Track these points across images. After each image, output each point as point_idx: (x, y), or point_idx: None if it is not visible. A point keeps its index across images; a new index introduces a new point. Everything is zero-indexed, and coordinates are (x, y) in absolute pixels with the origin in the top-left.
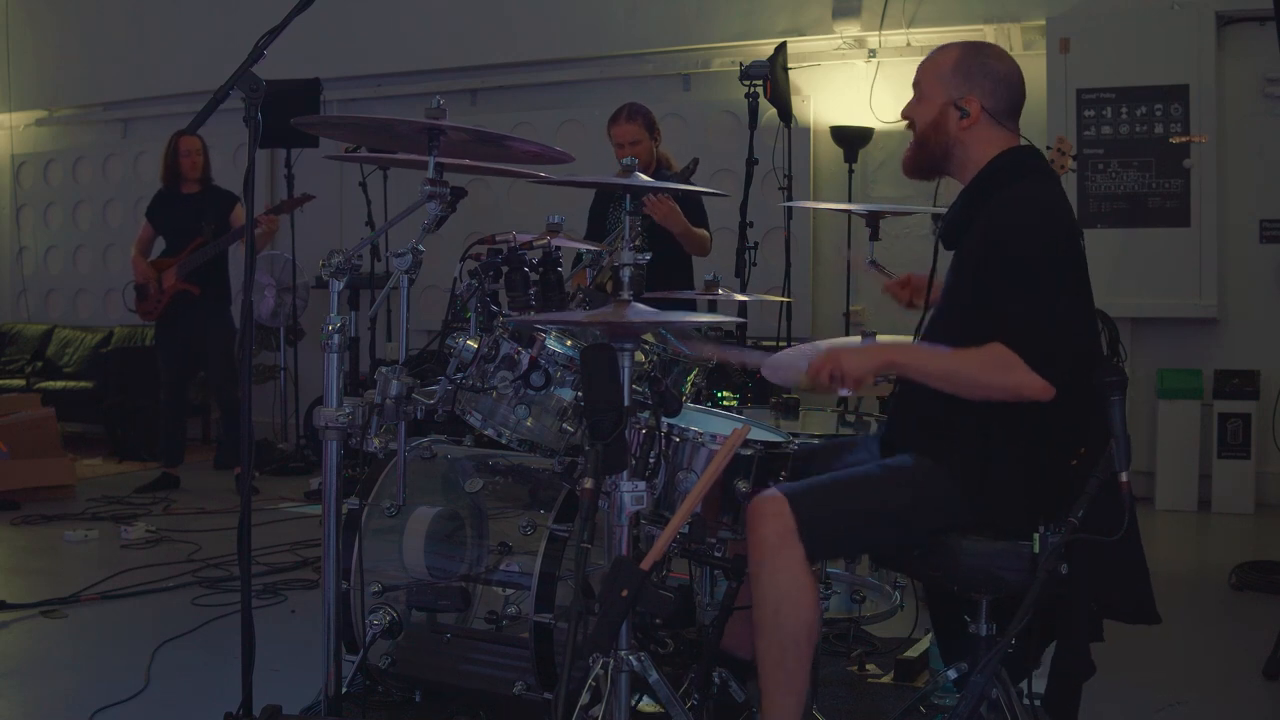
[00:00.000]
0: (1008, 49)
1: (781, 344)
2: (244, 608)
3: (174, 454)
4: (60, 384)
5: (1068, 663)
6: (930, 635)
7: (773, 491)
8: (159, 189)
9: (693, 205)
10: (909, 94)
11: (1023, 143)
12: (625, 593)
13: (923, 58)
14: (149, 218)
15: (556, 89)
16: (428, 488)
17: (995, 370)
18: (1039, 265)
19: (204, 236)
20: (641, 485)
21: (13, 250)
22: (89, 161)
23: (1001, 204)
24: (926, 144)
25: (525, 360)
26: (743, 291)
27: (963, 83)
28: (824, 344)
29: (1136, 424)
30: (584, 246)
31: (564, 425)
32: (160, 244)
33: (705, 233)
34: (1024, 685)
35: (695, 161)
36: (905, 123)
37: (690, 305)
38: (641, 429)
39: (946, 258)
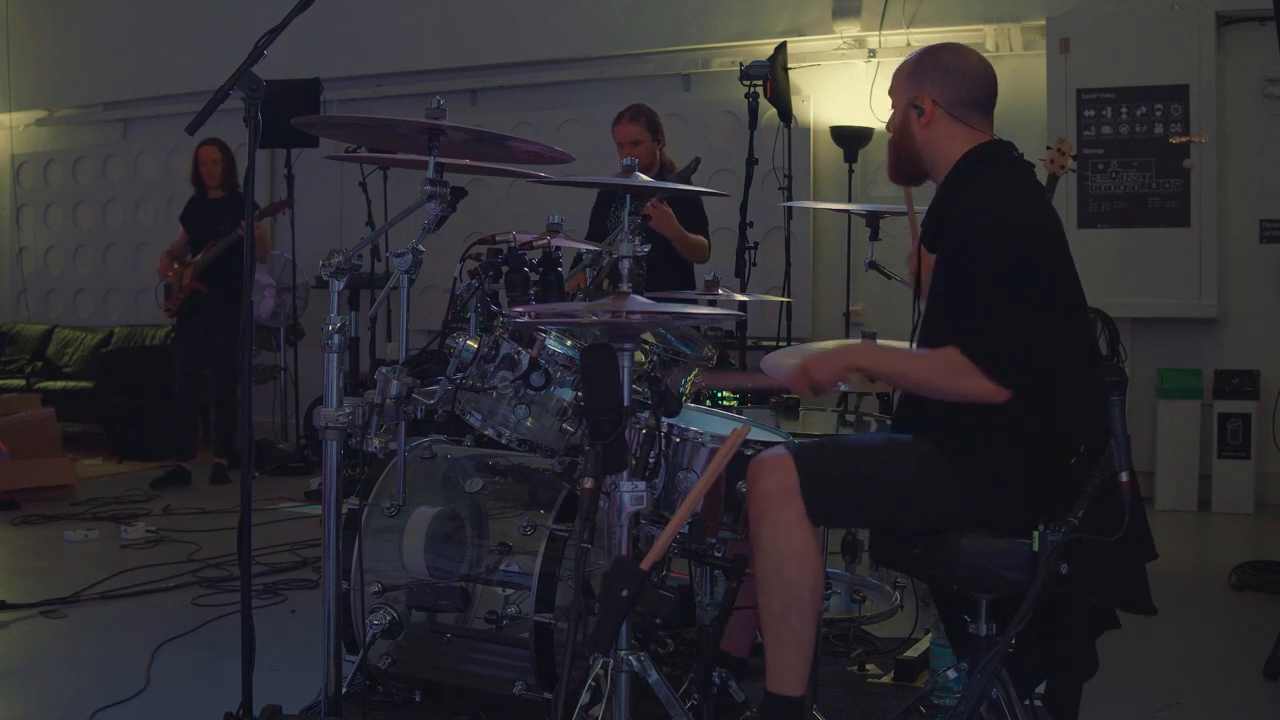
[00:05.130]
0: (1008, 49)
1: (781, 344)
2: (244, 608)
3: (187, 448)
4: (60, 384)
5: (1070, 661)
6: (930, 635)
7: (778, 449)
8: (191, 195)
9: (693, 210)
10: None
11: (995, 138)
12: (625, 593)
13: None
14: (181, 222)
15: (556, 89)
16: (428, 488)
17: (946, 375)
18: (995, 264)
19: (217, 238)
20: (641, 485)
21: (13, 250)
22: (89, 161)
23: (967, 200)
24: (899, 150)
25: (525, 360)
26: (743, 291)
27: (916, 83)
28: (809, 348)
29: (1136, 424)
30: (584, 246)
31: (564, 425)
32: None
33: (703, 239)
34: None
35: (696, 160)
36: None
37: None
38: (641, 429)
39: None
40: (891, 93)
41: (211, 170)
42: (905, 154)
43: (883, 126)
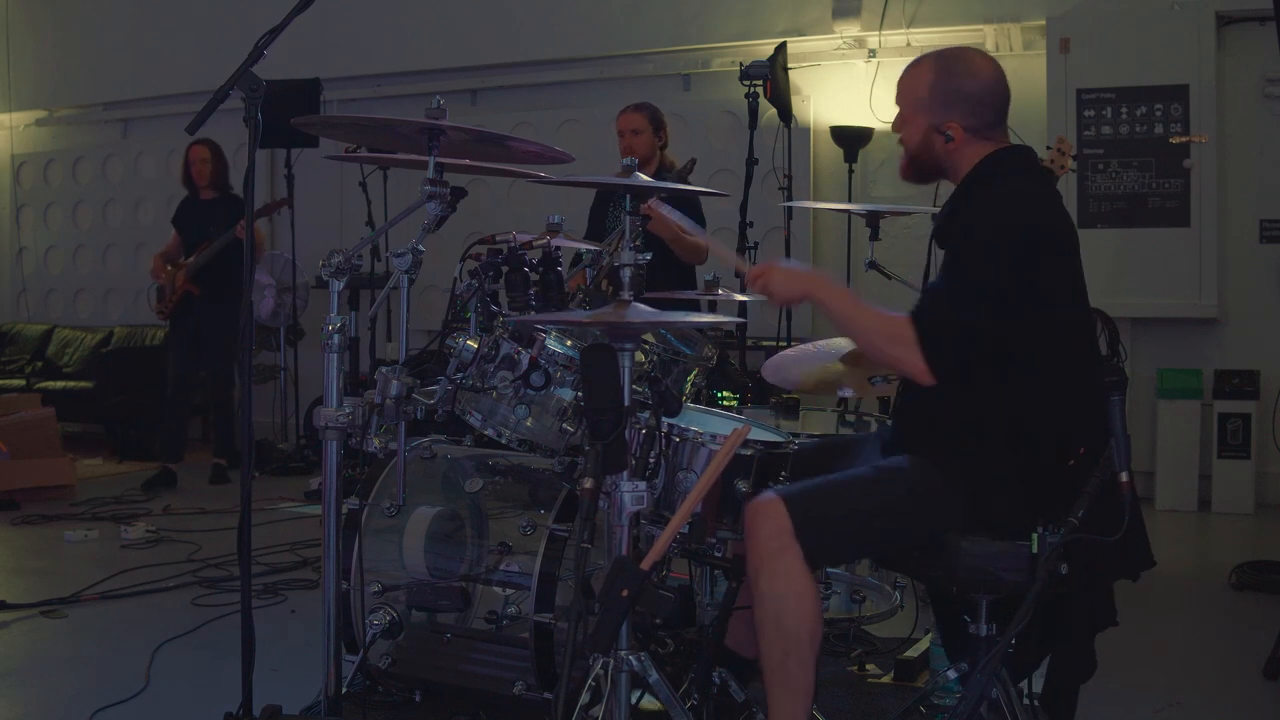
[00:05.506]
0: (1008, 49)
1: (782, 344)
2: (244, 608)
3: (175, 450)
4: (60, 384)
5: (1068, 662)
6: (930, 635)
7: (769, 494)
8: (184, 196)
9: (690, 211)
10: None
11: (1014, 143)
12: (625, 593)
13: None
14: (173, 224)
15: (556, 89)
16: (428, 488)
17: (888, 339)
18: (976, 255)
19: (210, 240)
20: (641, 485)
21: (13, 250)
22: (89, 161)
23: (980, 202)
24: (918, 160)
25: (525, 360)
26: (743, 291)
27: (941, 109)
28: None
29: (1136, 424)
30: (584, 246)
31: (564, 425)
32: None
33: (700, 240)
34: (1024, 685)
35: (693, 161)
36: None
37: (692, 306)
38: (641, 429)
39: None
40: (903, 104)
41: (201, 170)
42: (925, 165)
43: (882, 126)
